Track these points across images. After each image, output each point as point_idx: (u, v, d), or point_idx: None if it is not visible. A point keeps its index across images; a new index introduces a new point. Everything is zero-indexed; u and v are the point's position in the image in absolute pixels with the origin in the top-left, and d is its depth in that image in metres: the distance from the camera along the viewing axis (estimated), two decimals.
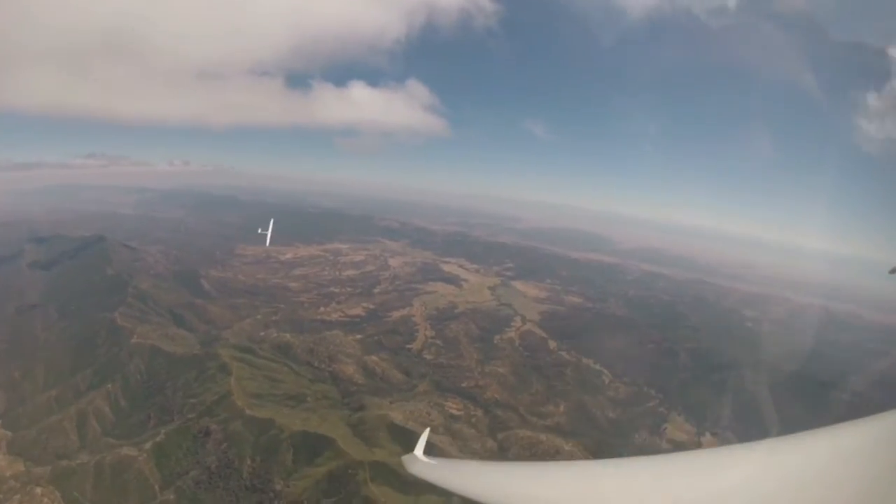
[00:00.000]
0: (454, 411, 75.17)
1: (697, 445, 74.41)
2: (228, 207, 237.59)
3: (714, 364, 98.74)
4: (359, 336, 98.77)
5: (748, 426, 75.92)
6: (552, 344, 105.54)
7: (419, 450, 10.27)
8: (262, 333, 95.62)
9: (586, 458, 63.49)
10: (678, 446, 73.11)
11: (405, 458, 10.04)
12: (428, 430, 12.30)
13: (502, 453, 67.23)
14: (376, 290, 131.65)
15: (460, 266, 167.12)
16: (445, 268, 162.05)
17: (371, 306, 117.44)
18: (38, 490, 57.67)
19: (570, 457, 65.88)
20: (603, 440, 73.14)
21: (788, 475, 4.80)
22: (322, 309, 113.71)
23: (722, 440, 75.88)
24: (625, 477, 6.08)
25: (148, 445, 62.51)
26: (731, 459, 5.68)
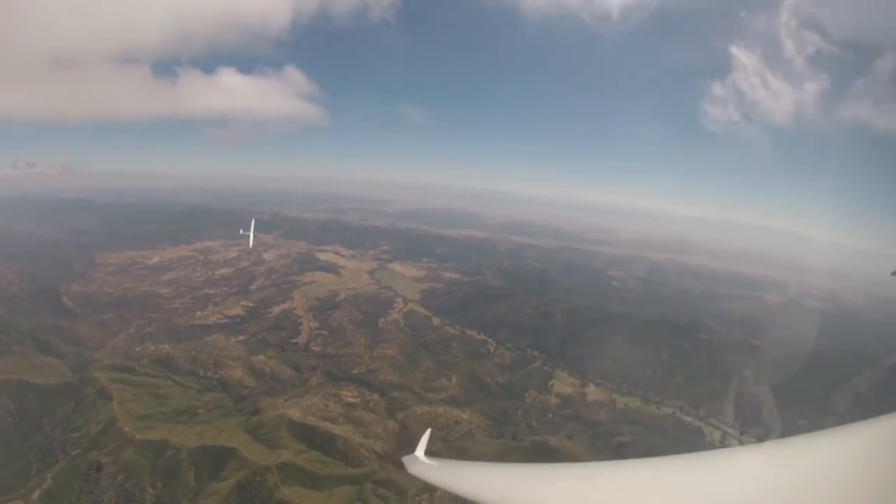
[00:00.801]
0: (351, 399, 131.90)
1: (583, 396, 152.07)
2: (83, 212, 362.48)
3: (588, 321, 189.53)
4: (242, 337, 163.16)
5: (625, 372, 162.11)
6: (436, 320, 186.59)
7: (420, 451, 19.63)
8: (138, 349, 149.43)
9: (484, 424, 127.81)
10: (565, 399, 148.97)
11: (405, 459, 19.05)
12: (429, 430, 22.95)
13: (404, 432, 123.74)
14: (253, 287, 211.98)
15: (336, 253, 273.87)
16: (322, 256, 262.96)
17: (250, 304, 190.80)
18: None
19: (470, 424, 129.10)
20: (496, 405, 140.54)
21: (788, 478, 8.94)
22: (199, 313, 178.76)
23: (604, 389, 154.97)
24: (624, 479, 11.44)
25: (35, 496, 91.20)
26: (730, 462, 10.84)
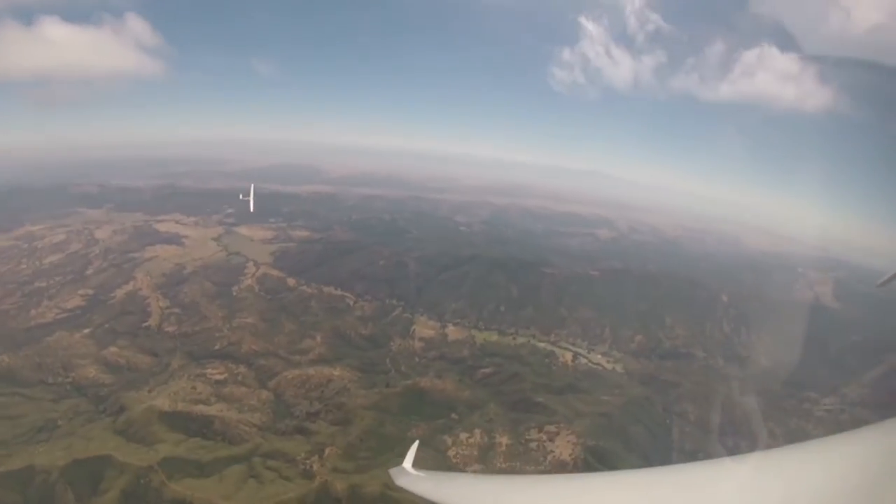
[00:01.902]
0: (218, 376, 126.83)
1: (444, 336, 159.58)
2: None
3: (440, 266, 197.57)
4: (87, 330, 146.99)
5: (480, 310, 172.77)
6: (291, 281, 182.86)
7: (408, 462, 19.65)
8: None
9: (356, 377, 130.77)
10: (428, 342, 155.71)
11: (392, 471, 19.02)
12: (417, 442, 22.69)
13: (279, 399, 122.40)
14: (90, 272, 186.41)
15: (177, 222, 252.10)
16: (161, 227, 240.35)
17: (89, 292, 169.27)
18: None
19: (342, 380, 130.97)
20: (364, 357, 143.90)
21: (781, 487, 9.10)
22: (33, 312, 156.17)
23: (463, 327, 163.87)
24: (612, 490, 11.60)
25: None
26: (724, 472, 10.90)
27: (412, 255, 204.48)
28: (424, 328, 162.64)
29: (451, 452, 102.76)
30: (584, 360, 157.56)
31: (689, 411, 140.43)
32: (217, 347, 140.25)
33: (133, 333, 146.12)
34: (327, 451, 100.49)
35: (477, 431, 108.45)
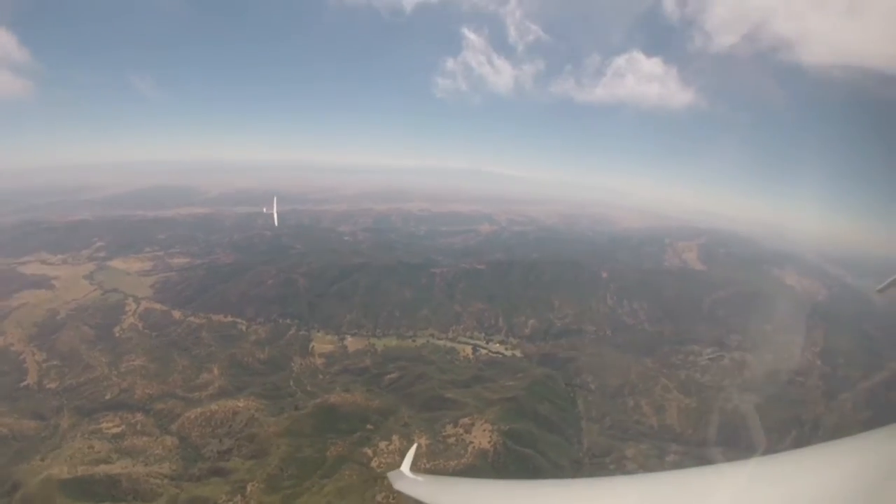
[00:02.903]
0: (115, 430, 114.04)
1: (344, 349, 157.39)
2: None
3: (330, 278, 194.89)
4: None
5: (375, 317, 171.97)
6: (176, 314, 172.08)
7: (405, 466, 19.70)
8: None
9: (262, 405, 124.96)
10: (329, 357, 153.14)
11: (391, 475, 18.89)
12: (415, 445, 25.33)
13: (185, 442, 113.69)
14: None
15: (43, 262, 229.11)
16: (26, 270, 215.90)
17: None
18: None
19: (249, 410, 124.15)
20: (267, 382, 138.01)
21: (778, 493, 9.26)
22: None
23: (361, 337, 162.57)
24: (610, 495, 11.65)
25: None
26: (721, 477, 11.14)
27: (299, 270, 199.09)
28: (323, 343, 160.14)
29: (374, 463, 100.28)
30: (483, 352, 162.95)
31: (590, 381, 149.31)
32: (108, 398, 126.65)
33: (11, 396, 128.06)
34: (249, 487, 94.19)
35: (395, 437, 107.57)
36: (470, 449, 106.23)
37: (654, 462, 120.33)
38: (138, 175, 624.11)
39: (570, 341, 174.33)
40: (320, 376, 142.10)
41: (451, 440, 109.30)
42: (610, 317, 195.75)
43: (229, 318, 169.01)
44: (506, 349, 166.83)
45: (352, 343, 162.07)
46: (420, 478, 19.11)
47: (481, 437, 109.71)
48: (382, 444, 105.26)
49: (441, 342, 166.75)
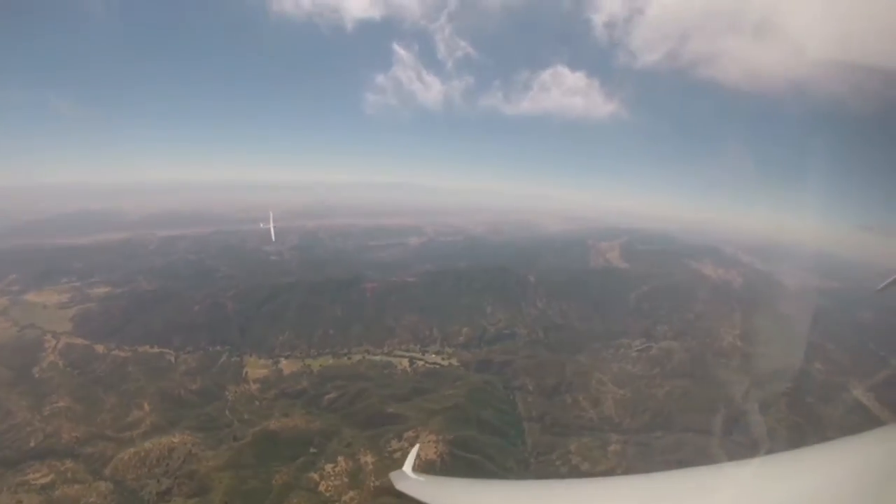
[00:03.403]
0: (42, 480, 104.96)
1: (279, 372, 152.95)
2: None
3: (259, 300, 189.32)
4: None
5: (308, 337, 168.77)
6: (99, 348, 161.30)
7: (408, 466, 19.90)
8: None
9: (199, 439, 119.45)
10: (264, 382, 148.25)
11: (393, 475, 18.94)
12: (417, 446, 24.64)
13: (120, 487, 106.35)
14: None
15: None
16: None
17: None
18: None
19: (185, 446, 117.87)
20: (202, 414, 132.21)
21: (780, 492, 9.28)
22: None
23: (295, 359, 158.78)
24: (616, 495, 11.77)
25: None
26: (721, 477, 11.26)
27: (227, 294, 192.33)
28: (257, 368, 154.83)
29: (321, 487, 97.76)
30: (420, 363, 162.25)
31: (527, 383, 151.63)
32: (32, 445, 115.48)
33: None
34: None
35: (340, 459, 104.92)
36: (417, 461, 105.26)
37: (597, 453, 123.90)
38: (54, 199, 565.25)
39: (504, 346, 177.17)
40: (257, 403, 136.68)
41: (398, 455, 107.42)
42: (541, 319, 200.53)
43: (156, 349, 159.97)
44: (442, 359, 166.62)
45: (286, 365, 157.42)
46: (422, 478, 19.13)
47: (427, 448, 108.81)
48: (328, 467, 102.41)
49: (377, 357, 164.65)
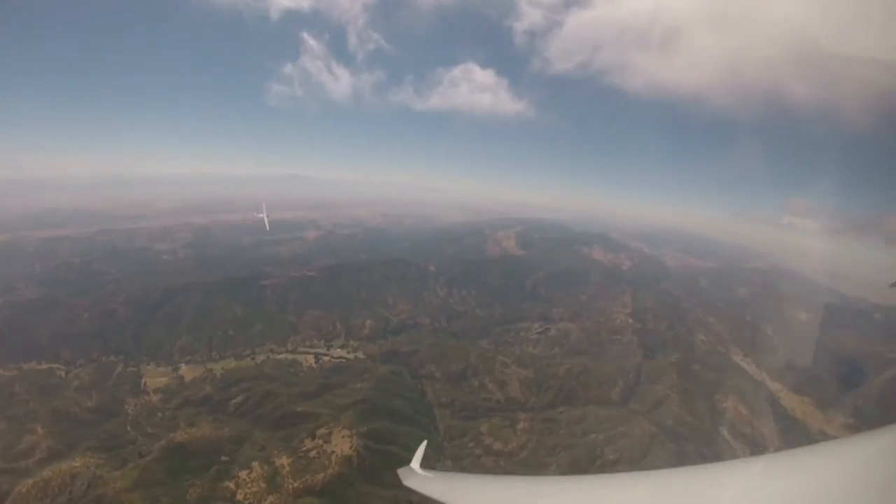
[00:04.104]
0: None
1: (180, 379, 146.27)
2: None
3: (152, 304, 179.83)
4: None
5: (208, 340, 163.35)
6: None
7: (416, 462, 19.47)
8: None
9: (102, 460, 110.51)
10: (166, 391, 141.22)
11: (401, 471, 18.75)
12: (425, 442, 22.88)
13: None
14: None
15: None
16: None
17: None
18: None
19: (88, 469, 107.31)
20: (101, 432, 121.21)
21: (786, 490, 9.19)
22: None
23: (196, 364, 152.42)
24: (623, 492, 11.59)
25: None
26: (729, 475, 11.03)
27: (117, 299, 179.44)
28: (156, 377, 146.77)
29: (239, 496, 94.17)
30: (326, 359, 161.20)
31: (434, 370, 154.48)
32: None
33: None
34: None
35: (255, 464, 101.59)
36: (333, 458, 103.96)
37: (507, 432, 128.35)
38: None
39: (408, 336, 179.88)
40: (160, 415, 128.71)
41: (313, 453, 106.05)
42: (443, 307, 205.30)
43: (44, 366, 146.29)
44: (348, 353, 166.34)
45: (187, 372, 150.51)
46: (431, 474, 18.58)
47: (342, 443, 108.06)
48: (243, 474, 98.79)
49: (281, 356, 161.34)
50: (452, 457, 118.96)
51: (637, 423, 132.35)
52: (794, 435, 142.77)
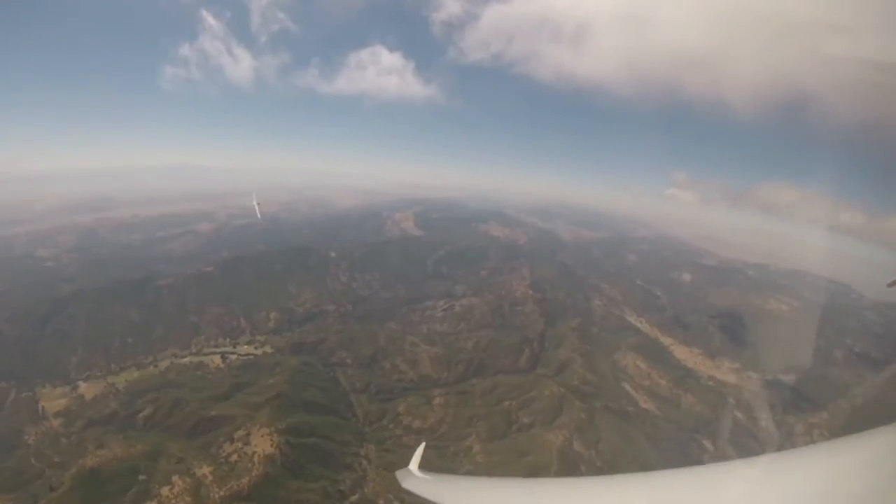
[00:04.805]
0: None
1: (80, 399, 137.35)
2: None
3: (39, 318, 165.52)
4: None
5: (105, 352, 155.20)
6: None
7: (414, 465, 19.63)
8: None
9: (9, 501, 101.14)
10: (67, 414, 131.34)
11: (399, 473, 18.84)
12: (423, 444, 22.50)
13: None
14: None
15: None
16: None
17: None
18: None
19: None
20: (5, 469, 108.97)
21: (788, 490, 9.10)
22: None
23: (96, 379, 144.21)
24: (621, 493, 11.61)
25: None
26: (730, 475, 10.91)
27: (1, 315, 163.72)
28: (54, 400, 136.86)
29: None
30: (234, 357, 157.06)
31: (345, 357, 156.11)
32: None
33: None
34: None
35: (175, 478, 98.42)
36: (256, 459, 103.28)
37: (425, 409, 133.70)
38: None
39: (315, 325, 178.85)
40: (65, 441, 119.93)
41: (234, 458, 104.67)
42: (347, 293, 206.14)
43: None
44: (255, 349, 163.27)
45: (87, 389, 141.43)
46: (428, 476, 18.75)
47: (262, 443, 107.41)
48: (165, 491, 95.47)
49: (186, 360, 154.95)
50: (375, 440, 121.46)
51: (546, 387, 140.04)
52: (688, 382, 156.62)
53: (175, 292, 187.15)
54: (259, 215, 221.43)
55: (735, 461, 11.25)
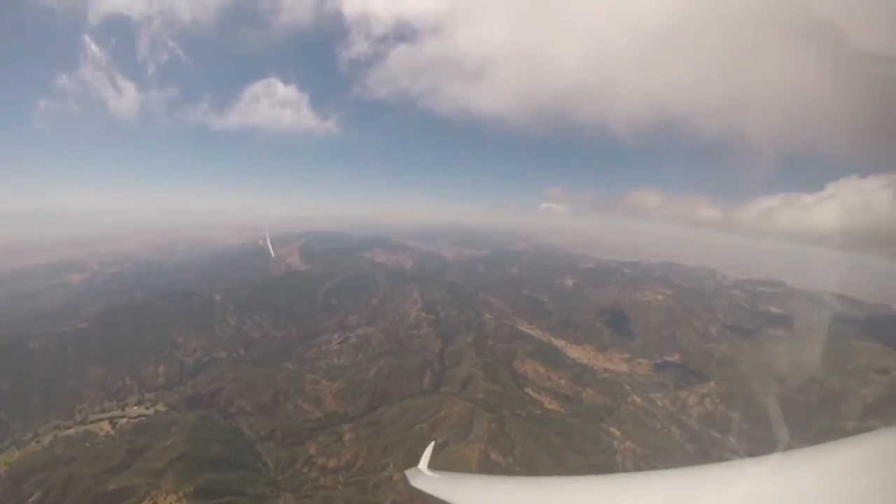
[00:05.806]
0: None
1: None
2: None
3: None
4: None
5: None
6: None
7: (423, 464, 20.33)
8: None
9: None
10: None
11: (408, 472, 19.23)
12: (433, 443, 23.24)
13: None
14: None
15: None
16: None
17: None
18: None
19: None
20: None
21: (794, 490, 9.23)
22: None
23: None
24: (630, 492, 11.67)
25: None
26: (737, 474, 11.04)
27: None
28: None
29: None
30: (124, 421, 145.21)
31: (244, 405, 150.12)
32: None
33: None
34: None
35: None
36: None
37: (337, 447, 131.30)
38: None
39: (208, 374, 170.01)
40: None
41: None
42: (237, 336, 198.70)
43: None
44: (147, 408, 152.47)
45: None
46: (437, 475, 19.12)
47: None
48: None
49: (71, 431, 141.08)
50: (290, 488, 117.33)
51: (453, 404, 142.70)
52: (586, 378, 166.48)
53: (49, 355, 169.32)
54: (272, 254, 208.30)
55: (741, 460, 11.75)
